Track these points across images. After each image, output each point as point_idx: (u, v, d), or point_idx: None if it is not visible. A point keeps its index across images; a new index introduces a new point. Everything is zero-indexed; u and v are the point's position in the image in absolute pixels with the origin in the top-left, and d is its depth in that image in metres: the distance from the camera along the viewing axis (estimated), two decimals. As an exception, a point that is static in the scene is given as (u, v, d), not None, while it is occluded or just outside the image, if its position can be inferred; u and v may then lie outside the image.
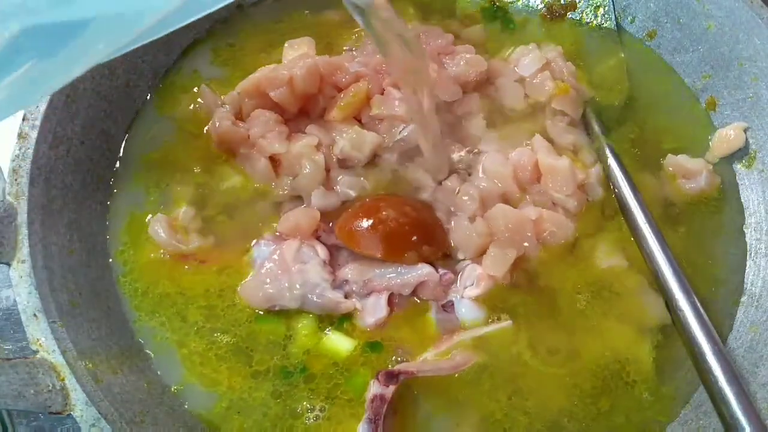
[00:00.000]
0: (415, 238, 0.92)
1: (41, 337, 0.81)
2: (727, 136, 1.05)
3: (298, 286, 0.89)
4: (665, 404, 0.89)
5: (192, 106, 1.04)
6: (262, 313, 0.91)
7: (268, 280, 0.90)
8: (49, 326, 0.82)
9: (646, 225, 0.94)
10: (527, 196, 0.97)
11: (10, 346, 1.05)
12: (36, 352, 0.81)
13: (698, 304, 0.87)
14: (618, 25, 1.15)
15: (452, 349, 0.88)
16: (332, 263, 0.93)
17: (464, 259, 0.94)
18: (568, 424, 0.87)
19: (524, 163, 0.97)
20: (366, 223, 0.92)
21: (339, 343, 0.89)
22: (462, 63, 1.04)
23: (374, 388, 0.83)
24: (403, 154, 1.00)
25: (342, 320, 0.91)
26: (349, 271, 0.92)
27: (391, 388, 0.82)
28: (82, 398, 0.79)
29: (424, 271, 0.90)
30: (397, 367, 0.86)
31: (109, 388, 0.83)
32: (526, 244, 0.94)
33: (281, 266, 0.90)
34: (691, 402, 0.89)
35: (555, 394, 0.87)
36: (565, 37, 1.14)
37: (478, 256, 0.94)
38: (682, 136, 1.07)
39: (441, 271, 0.92)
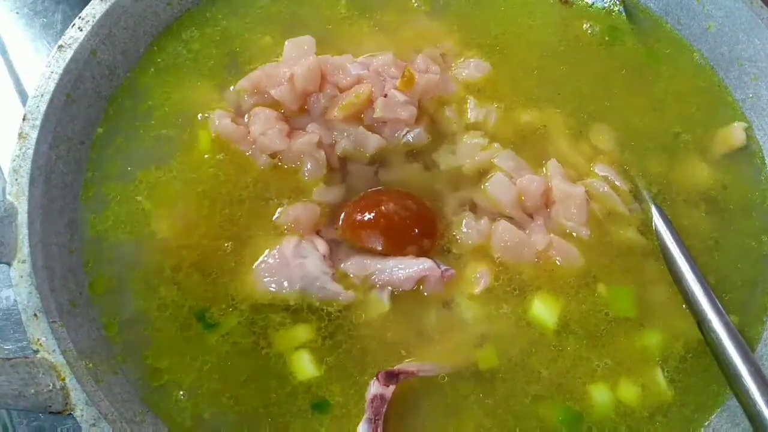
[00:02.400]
0: (416, 231, 0.92)
1: (41, 337, 0.81)
2: (727, 135, 1.05)
3: (298, 279, 0.89)
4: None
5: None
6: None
7: (266, 275, 0.90)
8: (50, 326, 0.82)
9: (673, 244, 0.93)
10: (539, 220, 0.97)
11: (11, 346, 1.05)
12: (36, 351, 0.81)
13: (731, 324, 0.86)
14: (628, 11, 1.15)
15: (453, 348, 0.88)
16: (332, 258, 0.93)
17: (461, 255, 0.94)
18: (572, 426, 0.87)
19: (533, 191, 0.96)
20: (367, 217, 0.92)
21: (306, 366, 0.87)
22: (472, 66, 1.07)
23: (374, 388, 0.82)
24: (409, 155, 1.01)
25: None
26: (350, 266, 0.92)
27: (391, 387, 0.82)
28: (83, 398, 0.78)
29: (425, 265, 0.90)
30: (397, 367, 0.85)
31: (110, 388, 0.83)
32: (525, 258, 0.94)
33: (281, 261, 0.90)
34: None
35: (558, 395, 0.87)
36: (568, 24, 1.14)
37: (475, 254, 0.94)
38: (687, 133, 1.07)
39: (443, 267, 0.91)
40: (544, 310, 0.91)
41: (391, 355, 0.88)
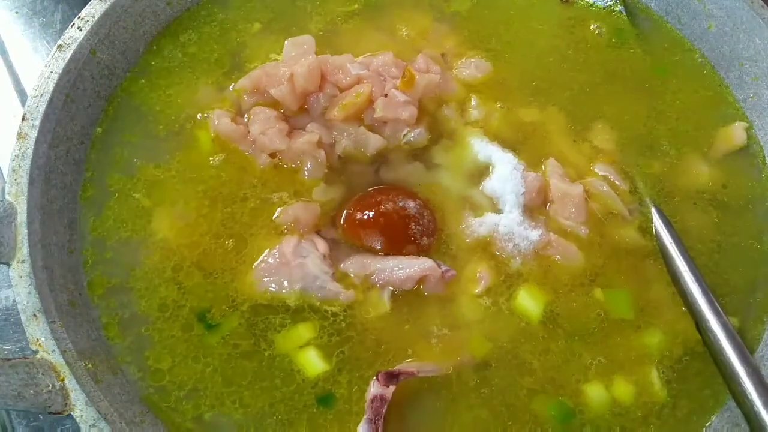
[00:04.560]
0: (415, 229, 0.92)
1: (41, 337, 0.81)
2: (728, 135, 1.05)
3: (298, 279, 0.89)
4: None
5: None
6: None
7: (266, 275, 0.90)
8: (49, 326, 0.82)
9: (672, 245, 0.93)
10: (539, 218, 0.97)
11: (10, 347, 1.04)
12: (36, 352, 0.80)
13: (729, 325, 0.85)
14: (628, 11, 1.15)
15: (453, 348, 0.88)
16: (332, 258, 0.93)
17: (460, 253, 0.94)
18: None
19: (530, 188, 0.96)
20: (367, 216, 0.92)
21: (314, 361, 0.87)
22: (473, 65, 1.07)
23: (374, 389, 0.82)
24: (409, 154, 1.01)
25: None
26: (350, 266, 0.92)
27: (392, 388, 0.82)
28: (82, 398, 0.78)
29: (426, 265, 0.90)
30: (397, 367, 0.85)
31: (109, 389, 0.82)
32: (525, 256, 0.94)
33: (281, 261, 0.90)
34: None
35: (551, 389, 0.87)
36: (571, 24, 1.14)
37: (475, 252, 0.94)
38: (687, 133, 1.06)
39: (444, 267, 0.91)
40: (533, 305, 0.91)
41: (392, 354, 0.88)
